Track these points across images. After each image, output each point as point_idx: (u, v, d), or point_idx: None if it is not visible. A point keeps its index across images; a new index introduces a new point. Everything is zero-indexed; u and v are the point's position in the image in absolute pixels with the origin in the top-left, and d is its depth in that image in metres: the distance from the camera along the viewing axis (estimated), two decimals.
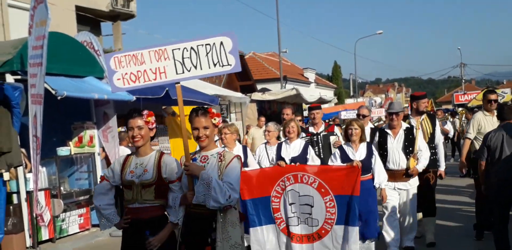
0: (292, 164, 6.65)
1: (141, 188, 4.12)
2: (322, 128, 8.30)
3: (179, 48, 4.27)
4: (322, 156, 7.79)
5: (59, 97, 8.00)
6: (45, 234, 8.15)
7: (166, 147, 11.75)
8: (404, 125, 7.13)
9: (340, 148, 6.75)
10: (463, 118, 16.51)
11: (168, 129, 11.77)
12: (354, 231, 6.23)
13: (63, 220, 8.63)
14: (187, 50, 4.25)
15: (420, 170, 6.97)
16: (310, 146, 7.18)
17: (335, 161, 6.63)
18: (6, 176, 7.60)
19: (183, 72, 4.27)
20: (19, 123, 7.67)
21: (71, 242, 8.52)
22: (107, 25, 21.41)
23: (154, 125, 4.31)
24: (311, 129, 8.26)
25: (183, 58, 4.26)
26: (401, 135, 7.00)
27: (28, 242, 7.85)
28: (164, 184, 4.16)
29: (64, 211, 8.55)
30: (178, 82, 4.35)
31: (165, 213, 4.26)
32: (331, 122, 19.30)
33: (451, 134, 15.44)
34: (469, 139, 7.86)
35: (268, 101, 19.55)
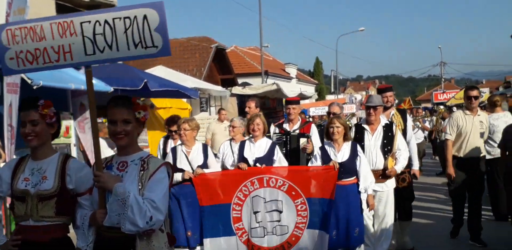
0: (257, 165, 6.02)
1: (37, 201, 3.23)
2: (297, 125, 7.38)
3: (89, 21, 3.16)
4: (288, 159, 6.87)
5: (34, 87, 7.88)
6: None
7: (143, 140, 11.68)
8: (383, 121, 6.62)
9: (322, 148, 6.18)
10: (440, 117, 16.42)
11: (146, 121, 11.69)
12: (326, 238, 5.75)
13: None
14: (99, 25, 3.15)
15: (399, 171, 6.48)
16: (277, 146, 6.45)
17: (315, 162, 6.07)
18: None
19: (94, 53, 3.24)
20: None
21: None
22: None
23: (53, 119, 3.57)
24: (285, 126, 7.43)
25: (94, 34, 3.19)
26: (379, 131, 6.48)
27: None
28: (68, 197, 3.28)
29: None
30: (89, 67, 3.38)
31: (68, 235, 3.42)
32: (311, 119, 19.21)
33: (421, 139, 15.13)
34: (450, 140, 7.28)
35: (249, 96, 19.49)
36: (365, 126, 6.58)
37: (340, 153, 5.96)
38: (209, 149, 6.52)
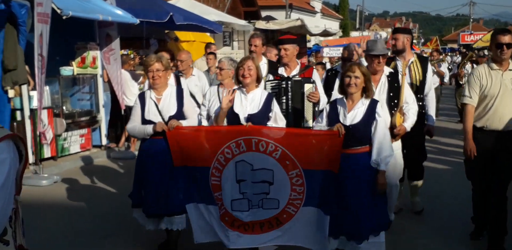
0: (245, 124, 4.71)
1: None
2: (296, 70, 5.97)
3: None
4: (290, 111, 5.74)
5: (64, 17, 8.08)
6: (47, 152, 8.52)
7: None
8: (387, 70, 5.63)
9: (333, 104, 4.83)
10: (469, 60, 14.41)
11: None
12: (327, 220, 4.53)
13: (64, 139, 8.97)
14: None
15: (408, 129, 5.49)
16: (274, 99, 5.10)
17: (320, 124, 4.80)
18: (11, 93, 7.84)
19: None
20: (25, 41, 7.82)
21: (72, 161, 8.90)
22: None
23: None
24: (280, 71, 6.00)
25: None
26: (383, 82, 5.52)
27: (31, 158, 8.21)
28: None
29: (66, 130, 8.87)
30: None
31: None
32: (312, 62, 17.98)
33: (446, 79, 14.24)
34: (469, 104, 5.35)
35: (272, 31, 19.46)
36: None
37: (352, 113, 4.63)
38: (186, 94, 5.38)
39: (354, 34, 48.15)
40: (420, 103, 6.07)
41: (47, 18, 7.48)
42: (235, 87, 5.10)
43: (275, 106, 5.04)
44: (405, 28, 6.84)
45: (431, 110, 6.32)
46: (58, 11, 7.97)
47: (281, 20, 20.50)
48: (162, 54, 6.03)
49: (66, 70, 9.32)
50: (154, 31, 12.64)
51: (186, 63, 7.33)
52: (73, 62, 9.57)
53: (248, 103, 4.96)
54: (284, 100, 5.73)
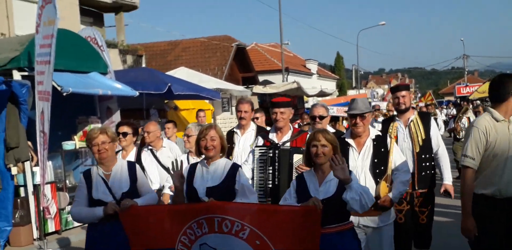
0: (205, 199, 4.10)
1: None
2: (288, 136, 5.39)
3: None
4: (276, 183, 5.16)
5: (64, 94, 8.30)
6: (51, 226, 8.48)
7: None
8: (373, 132, 5.04)
9: (300, 178, 4.25)
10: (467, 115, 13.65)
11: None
12: None
13: (68, 213, 8.95)
14: None
15: (396, 200, 4.83)
16: (241, 171, 4.38)
17: (288, 199, 4.20)
18: (14, 170, 7.91)
19: None
20: (27, 119, 7.97)
21: (77, 234, 8.81)
22: (110, 16, 21.61)
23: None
24: (272, 136, 5.44)
25: None
26: (368, 147, 4.91)
27: (35, 234, 8.18)
28: None
29: (70, 203, 8.85)
30: None
31: None
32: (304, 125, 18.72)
33: (442, 131, 13.15)
34: (471, 169, 4.21)
35: (270, 94, 19.79)
36: (349, 141, 4.98)
37: (324, 187, 4.07)
38: (138, 168, 4.70)
39: (351, 92, 48.86)
40: (427, 163, 5.65)
41: (48, 95, 7.67)
42: (196, 159, 5.00)
43: (242, 177, 4.34)
44: (405, 84, 6.34)
45: (445, 168, 5.78)
46: (59, 88, 8.19)
47: (277, 83, 20.89)
48: (107, 126, 5.84)
49: (68, 145, 9.43)
50: (153, 102, 12.90)
51: (153, 134, 6.86)
52: (75, 137, 9.70)
53: (209, 176, 4.32)
54: (270, 171, 5.19)
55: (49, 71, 7.45)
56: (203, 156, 4.43)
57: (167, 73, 14.32)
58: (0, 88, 7.39)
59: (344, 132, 5.94)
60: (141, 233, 4.10)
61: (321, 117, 5.88)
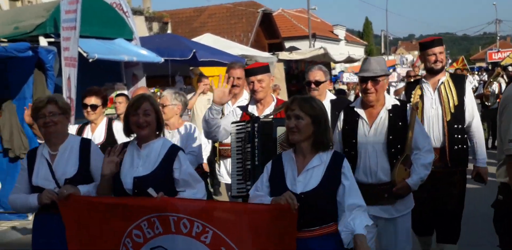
0: (151, 193, 3.21)
1: None
2: (269, 108, 4.51)
3: None
4: (256, 163, 4.07)
5: (90, 60, 8.36)
6: None
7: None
8: (389, 102, 4.05)
9: (277, 162, 3.27)
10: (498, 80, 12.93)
11: (195, 89, 12.15)
12: None
13: None
14: None
15: (415, 187, 3.96)
16: (182, 153, 3.56)
17: (260, 189, 3.25)
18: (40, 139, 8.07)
19: None
20: (53, 86, 8.07)
21: None
22: None
23: None
24: (252, 109, 4.56)
25: None
26: (382, 119, 3.99)
27: None
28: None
29: None
30: None
31: None
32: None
33: None
34: None
35: (296, 61, 19.64)
36: (359, 111, 4.07)
37: (304, 176, 3.11)
38: (94, 147, 3.84)
39: None
40: (459, 135, 4.67)
41: (74, 61, 7.75)
42: (186, 123, 4.62)
43: (184, 163, 3.48)
44: (438, 38, 4.97)
45: (479, 145, 4.79)
46: (84, 54, 8.25)
47: (304, 49, 20.71)
48: (58, 95, 4.11)
49: None
50: (179, 68, 12.92)
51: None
52: None
53: (140, 162, 3.45)
54: (249, 149, 4.13)
55: (75, 37, 7.51)
56: (134, 136, 3.54)
57: (193, 40, 14.30)
58: (26, 55, 7.47)
59: None
60: (80, 230, 3.36)
61: (317, 83, 4.75)
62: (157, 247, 3.23)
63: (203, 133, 4.44)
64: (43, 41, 8.32)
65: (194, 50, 10.98)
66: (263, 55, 17.01)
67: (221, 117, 4.44)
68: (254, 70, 4.51)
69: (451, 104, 4.69)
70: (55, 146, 3.68)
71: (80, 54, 8.14)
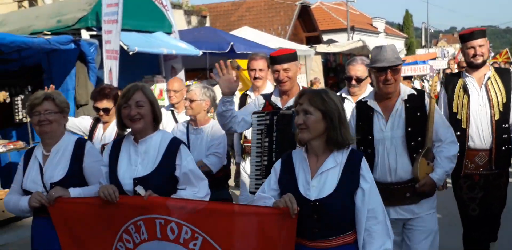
0: (138, 191, 2.99)
1: None
2: (294, 99, 3.35)
3: None
4: (273, 158, 3.77)
5: (131, 53, 8.54)
6: None
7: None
8: (405, 91, 3.72)
9: (286, 160, 2.88)
10: None
11: None
12: None
13: None
14: None
15: (440, 183, 3.68)
16: (184, 148, 3.22)
17: (266, 193, 2.85)
18: None
19: None
20: (95, 78, 8.29)
21: None
22: None
23: None
24: (275, 100, 4.09)
25: None
26: (399, 111, 3.66)
27: None
28: None
29: None
30: None
31: None
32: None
33: None
34: None
35: (334, 54, 19.58)
36: (373, 104, 3.74)
37: (318, 179, 2.73)
38: (90, 146, 3.52)
39: (420, 51, 47.49)
40: (505, 135, 4.33)
41: (116, 54, 7.94)
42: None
43: (185, 158, 3.15)
44: (480, 29, 4.59)
45: None
46: (125, 47, 8.43)
47: (342, 42, 20.62)
48: (56, 92, 3.69)
49: None
50: (216, 61, 13.03)
51: (180, 94, 5.62)
52: None
53: (139, 159, 3.14)
54: (267, 144, 3.85)
55: (117, 30, 7.70)
56: (129, 130, 3.26)
57: (231, 33, 14.40)
58: (69, 47, 7.70)
59: None
60: (72, 234, 3.12)
61: (359, 80, 4.57)
62: None
63: (220, 126, 4.01)
64: (85, 34, 8.55)
65: (231, 43, 11.10)
66: (301, 48, 16.99)
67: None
68: (280, 58, 3.98)
69: (500, 102, 4.31)
70: (48, 147, 3.44)
71: (120, 47, 8.32)
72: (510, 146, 4.38)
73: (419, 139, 3.62)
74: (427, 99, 3.69)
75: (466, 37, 4.48)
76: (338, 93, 4.58)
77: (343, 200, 2.67)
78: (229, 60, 13.31)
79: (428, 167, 3.62)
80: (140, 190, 2.97)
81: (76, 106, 8.12)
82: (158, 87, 10.16)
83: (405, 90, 3.73)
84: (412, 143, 3.60)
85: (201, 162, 4.43)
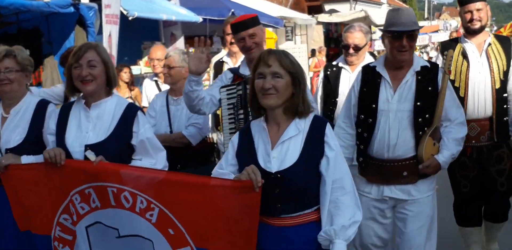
0: (88, 156, 2.80)
1: None
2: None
3: None
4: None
5: (130, 18, 8.48)
6: None
7: None
8: (418, 62, 3.41)
9: (244, 132, 2.63)
10: None
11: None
12: None
13: None
14: None
15: (445, 166, 3.42)
16: (141, 114, 2.98)
17: (223, 169, 2.61)
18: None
19: None
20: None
21: None
22: None
23: None
24: (243, 70, 3.79)
25: None
26: (409, 83, 3.35)
27: None
28: None
29: None
30: None
31: None
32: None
33: None
34: None
35: (335, 24, 19.47)
36: (382, 71, 3.42)
37: (278, 149, 2.49)
38: (51, 108, 3.26)
39: (422, 23, 47.07)
40: (507, 106, 4.04)
41: (116, 19, 7.90)
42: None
43: (143, 125, 2.92)
44: None
45: None
46: (125, 12, 8.37)
47: (344, 12, 20.48)
48: (18, 47, 3.37)
49: (133, 70, 9.72)
50: (217, 29, 12.96)
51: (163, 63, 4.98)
52: (140, 62, 9.98)
53: (90, 125, 2.87)
54: (242, 116, 3.62)
55: None
56: (81, 94, 2.96)
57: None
58: (68, 11, 7.63)
59: None
60: (22, 203, 2.94)
61: (357, 48, 4.35)
62: (94, 224, 2.70)
63: (187, 107, 3.68)
64: None
65: (232, 10, 11.01)
66: (302, 17, 16.90)
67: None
68: (243, 23, 3.63)
69: (500, 70, 4.00)
70: (8, 108, 3.20)
71: (120, 12, 8.26)
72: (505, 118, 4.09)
73: (427, 116, 3.30)
74: (440, 74, 3.39)
75: (463, 0, 4.16)
76: (334, 63, 4.59)
77: (306, 170, 2.43)
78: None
79: (434, 148, 3.34)
80: (90, 155, 2.77)
81: None
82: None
83: (419, 61, 3.43)
84: (420, 119, 3.29)
85: (180, 133, 4.22)
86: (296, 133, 2.47)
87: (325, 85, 4.45)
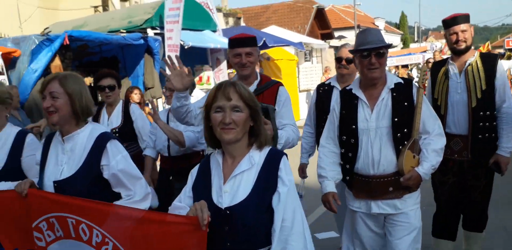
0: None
1: None
2: (253, 86, 3.09)
3: None
4: None
5: (186, 47, 8.66)
6: None
7: None
8: (391, 80, 2.89)
9: (203, 166, 2.02)
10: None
11: (264, 72, 12.29)
12: None
13: None
14: None
15: (426, 177, 2.85)
16: (116, 142, 2.33)
17: (183, 200, 1.99)
18: (150, 106, 8.51)
19: None
20: (159, 67, 8.44)
21: None
22: None
23: None
24: None
25: None
26: (385, 100, 2.84)
27: None
28: None
29: None
30: None
31: None
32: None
33: None
34: None
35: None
36: (358, 93, 2.91)
37: (232, 183, 1.91)
38: (31, 138, 2.73)
39: (413, 45, 46.54)
40: (486, 123, 3.48)
41: (177, 48, 8.11)
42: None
43: (114, 157, 2.28)
44: (464, 14, 3.66)
45: (505, 133, 3.49)
46: (181, 42, 8.55)
47: (351, 37, 20.40)
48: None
49: None
50: None
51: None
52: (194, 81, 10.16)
53: (65, 158, 2.31)
54: None
55: (178, 29, 7.85)
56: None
57: (262, 30, 14.40)
58: (138, 43, 7.86)
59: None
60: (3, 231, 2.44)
61: (349, 61, 3.58)
62: None
63: (176, 120, 3.03)
64: (150, 32, 8.68)
65: (264, 39, 11.13)
66: (317, 43, 16.93)
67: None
68: (242, 40, 3.05)
69: (477, 89, 3.45)
70: None
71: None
72: (493, 135, 3.49)
73: (405, 130, 2.78)
74: (414, 89, 2.85)
75: (448, 23, 3.60)
76: (326, 82, 3.91)
77: (258, 206, 1.83)
78: (261, 52, 13.42)
79: (414, 160, 2.81)
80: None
81: (144, 88, 8.31)
82: (206, 74, 10.31)
83: (392, 79, 2.88)
84: (398, 134, 2.78)
85: (180, 131, 3.68)
86: (249, 166, 1.90)
87: (318, 103, 3.83)
